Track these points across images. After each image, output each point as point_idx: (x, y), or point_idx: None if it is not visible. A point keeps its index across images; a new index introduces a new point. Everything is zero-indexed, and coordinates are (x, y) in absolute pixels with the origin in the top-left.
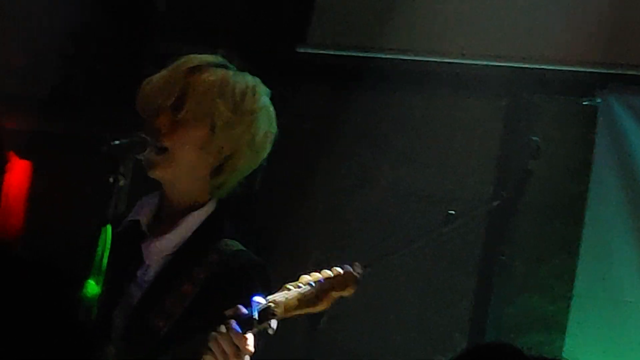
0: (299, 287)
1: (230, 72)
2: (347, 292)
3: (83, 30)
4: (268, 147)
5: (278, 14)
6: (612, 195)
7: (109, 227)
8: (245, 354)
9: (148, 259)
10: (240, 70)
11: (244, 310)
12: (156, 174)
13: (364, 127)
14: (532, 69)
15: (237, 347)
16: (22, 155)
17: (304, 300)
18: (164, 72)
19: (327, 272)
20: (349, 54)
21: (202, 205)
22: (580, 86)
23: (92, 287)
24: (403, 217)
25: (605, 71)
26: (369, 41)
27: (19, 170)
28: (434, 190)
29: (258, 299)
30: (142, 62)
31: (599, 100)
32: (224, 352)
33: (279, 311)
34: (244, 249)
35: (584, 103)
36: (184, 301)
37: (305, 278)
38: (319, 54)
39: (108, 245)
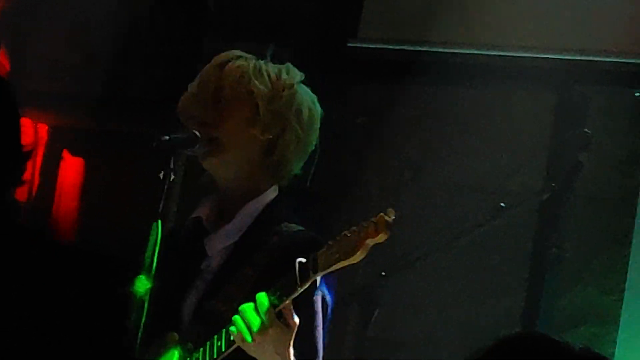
0: (337, 240)
1: (261, 61)
2: (380, 239)
3: (136, 29)
4: (317, 127)
5: (328, 9)
6: None
7: (159, 223)
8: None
9: (210, 251)
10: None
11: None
12: (210, 162)
13: (415, 120)
14: (583, 60)
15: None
16: (75, 153)
17: (342, 251)
18: (196, 78)
19: (362, 223)
20: (400, 47)
21: (260, 193)
22: (632, 78)
23: (143, 283)
24: (454, 210)
25: None
26: (420, 35)
27: (72, 167)
28: (484, 183)
29: (300, 259)
30: (194, 59)
31: None
32: (247, 325)
33: (320, 265)
34: (303, 229)
35: (635, 94)
36: (245, 285)
37: (343, 232)
38: (370, 48)
39: (159, 241)
